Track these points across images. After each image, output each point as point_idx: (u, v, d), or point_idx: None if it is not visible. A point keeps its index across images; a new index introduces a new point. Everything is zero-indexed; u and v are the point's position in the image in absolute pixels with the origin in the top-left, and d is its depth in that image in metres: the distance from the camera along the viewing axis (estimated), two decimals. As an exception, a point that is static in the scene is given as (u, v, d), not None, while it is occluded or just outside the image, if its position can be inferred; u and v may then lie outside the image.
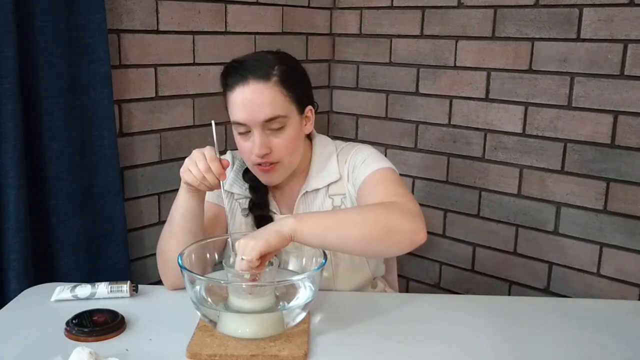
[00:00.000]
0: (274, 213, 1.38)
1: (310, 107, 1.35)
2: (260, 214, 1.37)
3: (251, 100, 1.24)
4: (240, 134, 1.29)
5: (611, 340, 1.15)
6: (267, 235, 1.07)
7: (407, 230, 1.14)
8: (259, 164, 1.29)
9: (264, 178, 1.33)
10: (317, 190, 1.37)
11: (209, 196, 1.34)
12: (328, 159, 1.38)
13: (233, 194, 1.40)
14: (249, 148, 1.28)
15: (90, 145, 1.66)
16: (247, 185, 1.40)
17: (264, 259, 1.08)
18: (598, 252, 1.90)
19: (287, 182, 1.39)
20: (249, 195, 1.39)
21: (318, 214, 1.22)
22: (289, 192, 1.40)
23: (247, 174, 1.40)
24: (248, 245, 1.05)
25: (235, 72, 1.27)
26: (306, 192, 1.37)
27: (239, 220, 1.39)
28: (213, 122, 1.18)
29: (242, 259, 1.05)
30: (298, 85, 1.30)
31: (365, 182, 1.30)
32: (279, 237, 1.08)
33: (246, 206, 1.39)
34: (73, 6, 1.57)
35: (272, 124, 1.26)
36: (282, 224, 1.10)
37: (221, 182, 1.18)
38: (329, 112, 2.46)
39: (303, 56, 2.30)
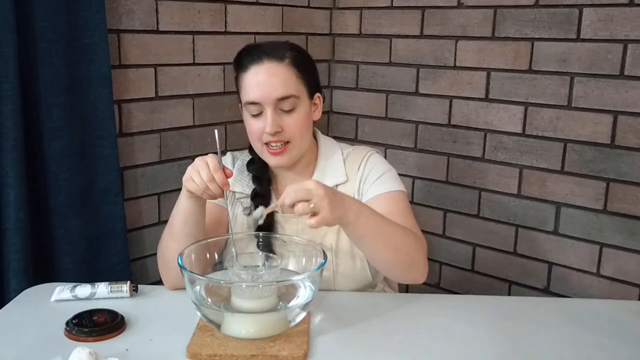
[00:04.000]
0: (276, 212, 1.38)
1: (318, 94, 1.38)
2: (262, 204, 1.37)
3: (265, 78, 1.27)
4: (252, 115, 1.30)
5: (611, 340, 1.15)
6: (333, 215, 1.08)
7: (421, 270, 1.25)
8: (269, 146, 1.30)
9: (274, 160, 1.33)
10: None
11: None
12: (333, 160, 1.39)
13: (235, 193, 1.40)
14: (261, 128, 1.29)
15: (90, 145, 1.66)
16: (248, 181, 1.40)
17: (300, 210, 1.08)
18: (598, 252, 1.90)
19: (291, 181, 1.39)
20: (250, 193, 1.40)
21: (374, 217, 1.19)
22: None
23: (251, 165, 1.41)
24: (321, 199, 1.06)
25: (250, 54, 1.31)
26: None
27: (241, 220, 1.39)
28: (216, 131, 1.18)
29: (297, 200, 1.06)
30: (308, 70, 1.35)
31: (377, 200, 1.30)
32: (335, 220, 1.10)
33: (247, 205, 1.39)
34: (73, 6, 1.57)
35: (284, 103, 1.28)
36: (347, 211, 1.11)
37: (225, 192, 1.17)
38: (329, 112, 2.46)
39: (303, 56, 2.30)
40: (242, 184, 1.40)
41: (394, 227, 1.21)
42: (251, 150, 1.41)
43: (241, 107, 1.37)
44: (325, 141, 1.42)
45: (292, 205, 1.07)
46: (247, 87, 1.29)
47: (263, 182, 1.39)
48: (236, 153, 1.46)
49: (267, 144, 1.30)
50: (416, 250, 1.23)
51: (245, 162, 1.43)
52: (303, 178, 1.39)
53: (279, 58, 1.29)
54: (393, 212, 1.26)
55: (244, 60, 1.31)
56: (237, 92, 1.36)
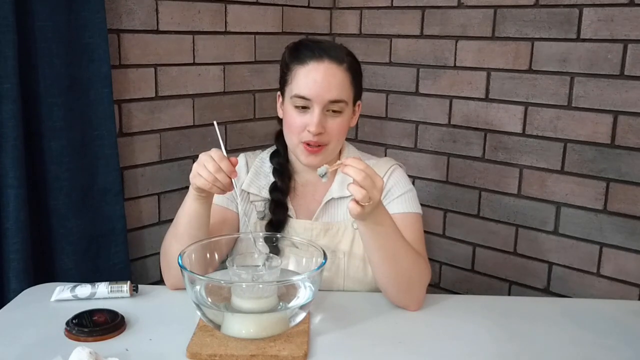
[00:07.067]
0: (290, 217, 1.38)
1: (359, 101, 1.38)
2: (279, 199, 1.37)
3: (323, 78, 1.27)
4: (296, 108, 1.29)
5: (611, 340, 1.16)
6: (369, 218, 1.14)
7: (415, 298, 1.27)
8: (307, 144, 1.30)
9: (307, 158, 1.32)
10: (342, 198, 1.36)
11: (217, 199, 1.34)
12: None
13: (249, 194, 1.39)
14: (303, 123, 1.29)
15: (90, 145, 1.66)
16: (264, 184, 1.39)
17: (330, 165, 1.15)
18: (598, 252, 1.90)
19: (311, 186, 1.39)
20: (265, 197, 1.39)
21: (393, 232, 1.21)
22: (311, 197, 1.39)
23: (275, 157, 1.40)
24: (376, 201, 1.11)
25: (310, 49, 1.30)
26: (332, 198, 1.37)
27: (254, 220, 1.38)
28: (215, 123, 1.19)
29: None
30: (359, 78, 1.36)
31: (394, 217, 1.27)
32: (365, 220, 1.15)
33: (262, 209, 1.38)
34: (73, 6, 1.57)
35: (333, 106, 1.29)
36: (376, 218, 1.16)
37: (233, 180, 1.17)
38: (329, 112, 2.45)
39: (303, 56, 2.30)
40: (257, 186, 1.39)
41: (405, 250, 1.23)
42: (277, 141, 1.41)
43: (280, 96, 1.37)
44: (349, 148, 1.43)
45: (353, 179, 1.09)
46: (300, 80, 1.28)
47: (284, 176, 1.38)
48: (249, 154, 1.45)
49: (305, 142, 1.30)
50: (418, 281, 1.26)
51: (262, 164, 1.42)
52: (321, 189, 1.38)
53: (339, 60, 1.29)
54: (406, 234, 1.26)
55: (303, 53, 1.30)
56: (282, 81, 1.35)
